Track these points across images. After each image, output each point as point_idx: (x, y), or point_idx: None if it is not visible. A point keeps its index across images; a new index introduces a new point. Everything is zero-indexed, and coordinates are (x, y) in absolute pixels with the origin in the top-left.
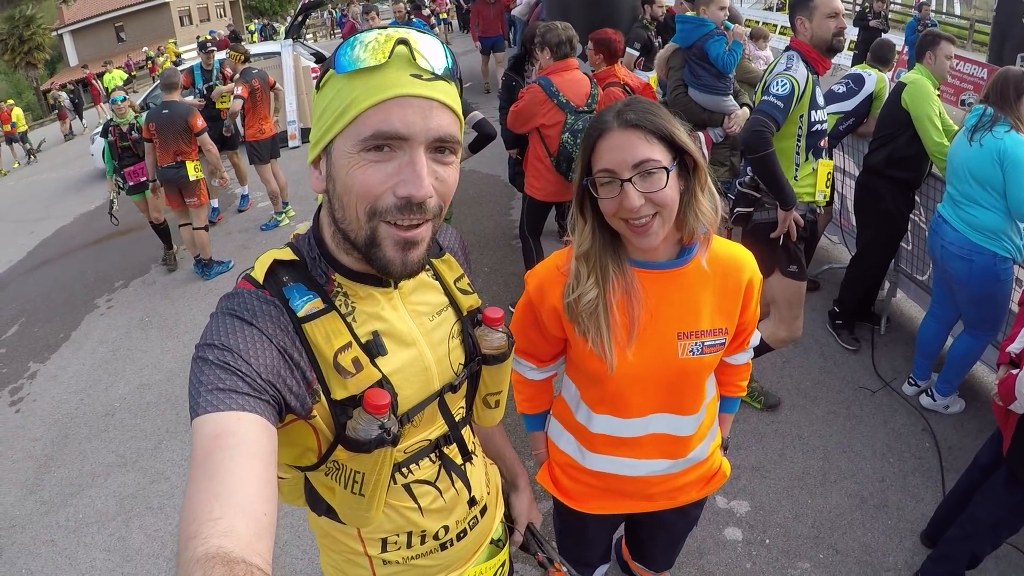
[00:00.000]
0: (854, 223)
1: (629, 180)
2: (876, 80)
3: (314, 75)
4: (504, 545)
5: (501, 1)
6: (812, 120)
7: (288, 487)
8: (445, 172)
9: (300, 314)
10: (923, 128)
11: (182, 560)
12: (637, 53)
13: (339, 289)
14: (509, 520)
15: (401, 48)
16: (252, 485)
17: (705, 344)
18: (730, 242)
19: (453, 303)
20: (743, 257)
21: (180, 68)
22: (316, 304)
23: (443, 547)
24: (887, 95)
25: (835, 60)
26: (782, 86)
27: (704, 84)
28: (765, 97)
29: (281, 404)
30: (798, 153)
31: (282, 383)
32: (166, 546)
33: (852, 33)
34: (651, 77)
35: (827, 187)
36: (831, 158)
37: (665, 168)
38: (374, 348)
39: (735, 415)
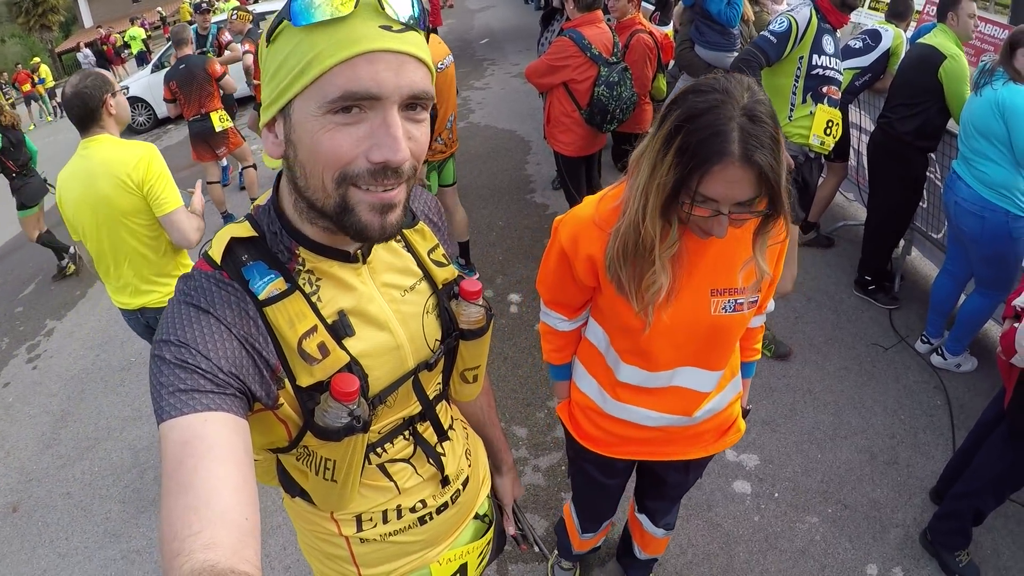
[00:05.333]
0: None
1: (727, 213)
2: (893, 36)
3: None
4: (491, 521)
5: None
6: (813, 63)
7: (261, 468)
8: (418, 131)
9: (261, 297)
10: (957, 108)
11: None
12: (652, 7)
13: (302, 266)
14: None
15: None
16: (228, 492)
17: (737, 302)
18: None
19: (428, 276)
20: None
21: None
22: (278, 285)
23: (422, 521)
24: (911, 56)
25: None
26: (780, 23)
27: (708, 41)
28: (762, 32)
29: (247, 394)
30: (794, 93)
31: (246, 373)
32: None
33: None
34: (667, 31)
35: (827, 134)
36: (842, 110)
37: (762, 213)
38: (341, 329)
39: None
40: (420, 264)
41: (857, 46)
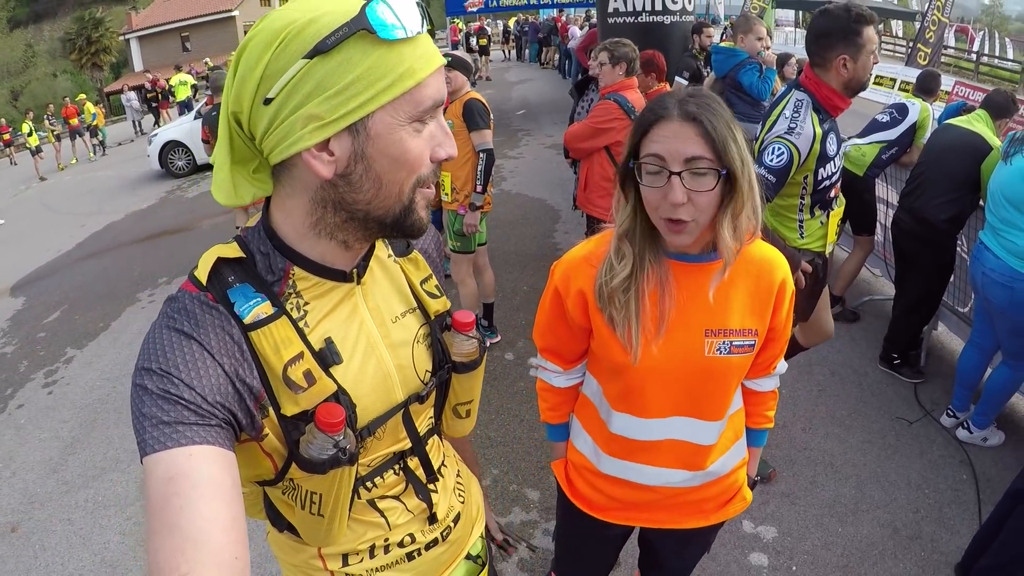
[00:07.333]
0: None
1: (678, 174)
2: (920, 110)
3: None
4: (484, 564)
5: None
6: (819, 178)
7: (248, 500)
8: None
9: (247, 320)
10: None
11: None
12: (686, 82)
13: (291, 289)
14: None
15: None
16: (216, 531)
17: (734, 344)
18: (763, 243)
19: (420, 306)
20: (775, 258)
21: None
22: (264, 308)
23: (409, 557)
24: (952, 142)
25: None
26: (778, 156)
27: (738, 112)
28: (757, 168)
29: (233, 424)
30: (801, 210)
31: (231, 402)
32: None
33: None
34: None
35: (836, 236)
36: (868, 185)
37: (717, 171)
38: (328, 356)
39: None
40: (413, 293)
41: (884, 119)
